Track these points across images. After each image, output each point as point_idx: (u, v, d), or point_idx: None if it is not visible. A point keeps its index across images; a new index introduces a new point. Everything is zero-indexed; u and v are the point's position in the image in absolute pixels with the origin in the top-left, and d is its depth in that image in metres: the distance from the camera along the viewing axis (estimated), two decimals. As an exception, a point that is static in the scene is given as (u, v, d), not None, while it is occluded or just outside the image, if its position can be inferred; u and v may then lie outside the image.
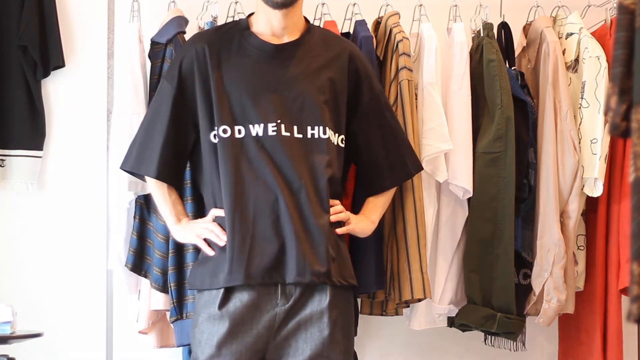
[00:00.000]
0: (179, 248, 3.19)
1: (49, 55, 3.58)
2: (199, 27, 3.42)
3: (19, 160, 3.58)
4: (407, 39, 3.32)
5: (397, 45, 3.30)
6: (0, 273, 3.62)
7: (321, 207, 2.77)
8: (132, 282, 3.37)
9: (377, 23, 3.48)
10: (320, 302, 2.74)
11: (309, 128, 2.80)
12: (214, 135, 2.80)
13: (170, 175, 2.89)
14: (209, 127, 2.82)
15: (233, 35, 2.88)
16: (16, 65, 3.57)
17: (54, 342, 3.52)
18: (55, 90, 3.66)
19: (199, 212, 3.09)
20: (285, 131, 2.77)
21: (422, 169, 3.15)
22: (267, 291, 2.73)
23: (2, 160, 3.58)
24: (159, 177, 2.88)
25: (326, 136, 2.81)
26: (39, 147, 3.60)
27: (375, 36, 3.41)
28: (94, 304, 3.64)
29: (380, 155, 2.98)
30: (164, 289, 3.22)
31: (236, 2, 3.47)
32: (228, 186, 2.76)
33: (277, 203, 2.72)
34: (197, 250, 3.18)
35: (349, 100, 2.91)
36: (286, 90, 2.81)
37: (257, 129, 2.77)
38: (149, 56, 3.35)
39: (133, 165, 2.92)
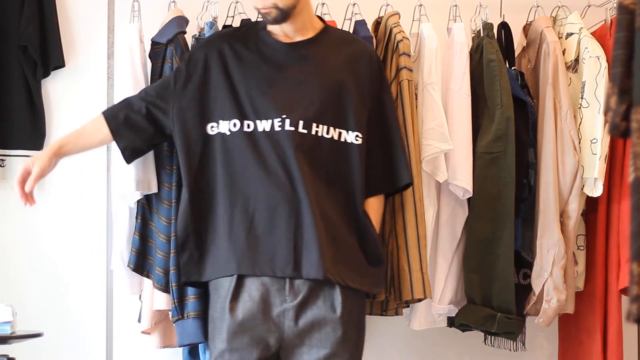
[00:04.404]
0: (181, 248, 3.20)
1: (49, 55, 3.58)
2: (199, 27, 3.42)
3: (19, 160, 3.58)
4: (407, 39, 3.32)
5: (397, 45, 3.30)
6: (0, 273, 3.62)
7: (320, 206, 2.77)
8: (134, 283, 3.36)
9: (377, 23, 3.48)
10: (332, 302, 2.76)
11: (314, 125, 2.82)
12: (211, 127, 2.87)
13: (116, 120, 2.98)
14: (205, 119, 2.88)
15: (250, 34, 2.97)
16: (16, 65, 3.57)
17: (54, 342, 3.53)
18: (55, 90, 3.66)
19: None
20: (290, 126, 2.80)
21: (412, 184, 3.06)
22: (275, 287, 2.75)
23: (2, 160, 3.58)
24: (105, 113, 3.02)
25: (331, 134, 2.83)
26: (39, 147, 3.60)
27: (375, 36, 3.41)
28: (94, 304, 3.64)
29: (376, 157, 2.94)
30: (166, 289, 3.22)
31: (236, 2, 3.48)
32: (236, 179, 2.81)
33: (293, 198, 2.75)
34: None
35: (366, 98, 2.91)
36: (295, 87, 2.85)
37: (264, 124, 2.81)
38: (150, 56, 3.35)
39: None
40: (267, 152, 2.79)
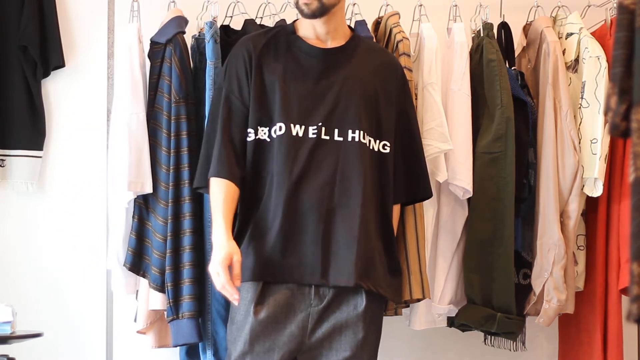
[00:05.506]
0: (177, 248, 3.20)
1: (49, 55, 3.58)
2: (199, 27, 3.42)
3: (19, 160, 3.58)
4: (407, 39, 3.32)
5: (397, 45, 3.30)
6: (0, 273, 3.62)
7: (354, 212, 2.77)
8: (130, 282, 3.36)
9: (377, 23, 3.48)
10: (356, 306, 2.77)
11: (349, 132, 2.81)
12: (252, 133, 2.83)
13: (233, 173, 2.82)
14: (249, 126, 2.84)
15: (280, 38, 2.92)
16: (16, 65, 3.57)
17: (53, 342, 3.53)
18: (55, 90, 3.66)
19: (196, 211, 3.19)
20: (325, 134, 2.80)
21: (431, 196, 3.11)
22: (301, 291, 2.75)
23: (2, 160, 3.58)
24: (223, 175, 2.81)
25: (365, 141, 2.82)
26: (39, 147, 3.60)
27: (375, 36, 3.41)
28: (93, 304, 3.64)
29: (399, 166, 2.95)
30: (162, 288, 3.22)
31: (237, 2, 3.48)
32: (265, 182, 2.79)
33: (325, 202, 2.75)
34: (194, 250, 3.18)
35: (393, 109, 2.92)
36: (330, 94, 2.83)
37: (297, 130, 2.79)
38: (149, 56, 3.35)
39: (198, 180, 2.89)
40: (301, 158, 2.77)
